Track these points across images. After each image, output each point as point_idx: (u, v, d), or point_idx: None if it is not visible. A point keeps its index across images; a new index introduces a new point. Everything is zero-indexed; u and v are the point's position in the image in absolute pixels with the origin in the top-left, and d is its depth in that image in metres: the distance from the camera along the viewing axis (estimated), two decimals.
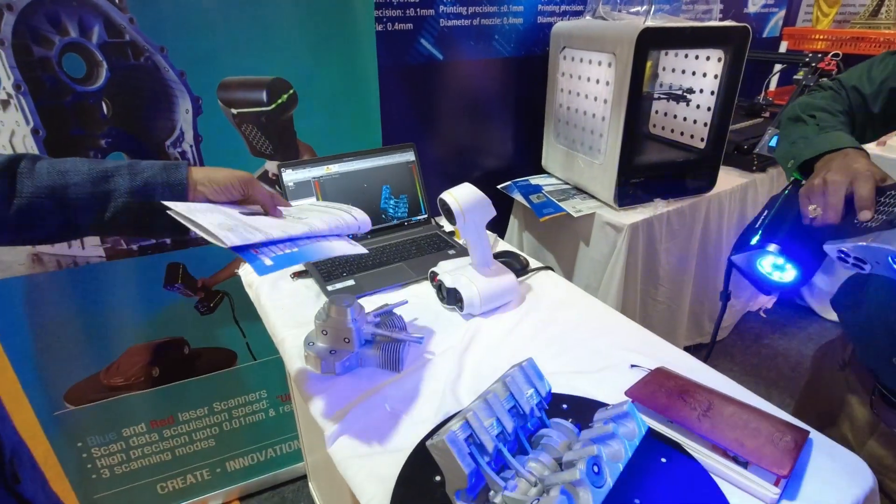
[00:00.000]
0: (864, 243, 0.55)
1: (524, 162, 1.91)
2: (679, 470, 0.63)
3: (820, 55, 1.95)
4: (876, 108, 0.80)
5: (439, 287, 1.01)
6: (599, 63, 1.51)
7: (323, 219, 0.74)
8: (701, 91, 1.63)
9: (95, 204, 0.60)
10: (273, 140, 1.22)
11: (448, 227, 1.22)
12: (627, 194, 1.57)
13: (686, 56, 1.67)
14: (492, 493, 0.53)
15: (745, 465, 0.61)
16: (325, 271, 1.09)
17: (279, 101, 1.19)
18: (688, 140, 1.73)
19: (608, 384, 0.78)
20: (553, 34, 1.68)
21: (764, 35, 2.57)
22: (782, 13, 2.57)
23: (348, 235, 0.77)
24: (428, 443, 0.53)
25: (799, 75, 1.98)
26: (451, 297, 0.98)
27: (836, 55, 1.92)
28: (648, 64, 1.51)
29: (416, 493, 0.62)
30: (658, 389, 0.71)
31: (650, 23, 1.37)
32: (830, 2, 2.59)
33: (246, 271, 1.18)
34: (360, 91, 1.27)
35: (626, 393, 0.71)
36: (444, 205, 0.92)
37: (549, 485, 0.51)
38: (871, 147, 1.73)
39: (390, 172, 1.24)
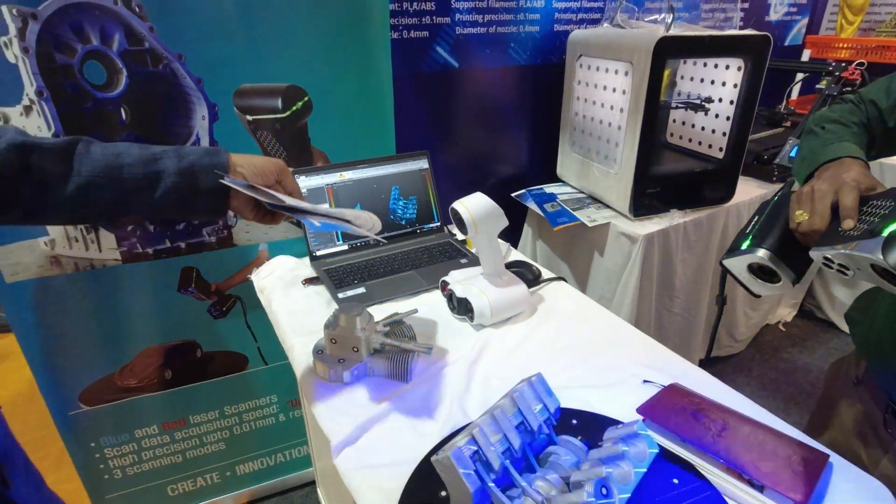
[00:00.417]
0: (846, 251, 0.57)
1: (539, 170, 1.90)
2: (691, 492, 0.62)
3: (844, 64, 1.91)
4: (891, 123, 0.80)
5: (450, 296, 1.00)
6: (616, 72, 1.50)
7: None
8: (720, 100, 1.60)
9: (146, 183, 0.63)
10: (287, 146, 1.23)
11: (460, 236, 1.21)
12: (643, 204, 1.55)
13: (705, 65, 1.65)
14: None
15: (760, 488, 0.59)
16: (337, 278, 1.09)
17: (294, 108, 1.20)
18: (706, 150, 1.71)
19: (619, 399, 0.76)
20: (570, 42, 1.67)
21: (786, 43, 2.52)
22: (805, 21, 2.52)
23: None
24: (433, 458, 0.52)
25: (822, 84, 1.94)
26: (461, 307, 0.97)
27: (860, 64, 1.88)
28: (666, 73, 1.49)
29: None
30: (671, 407, 0.70)
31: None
32: (855, 10, 2.54)
33: (258, 276, 1.19)
34: (374, 98, 1.28)
35: (638, 410, 0.70)
36: (456, 214, 0.91)
37: None
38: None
39: (404, 180, 1.24)
